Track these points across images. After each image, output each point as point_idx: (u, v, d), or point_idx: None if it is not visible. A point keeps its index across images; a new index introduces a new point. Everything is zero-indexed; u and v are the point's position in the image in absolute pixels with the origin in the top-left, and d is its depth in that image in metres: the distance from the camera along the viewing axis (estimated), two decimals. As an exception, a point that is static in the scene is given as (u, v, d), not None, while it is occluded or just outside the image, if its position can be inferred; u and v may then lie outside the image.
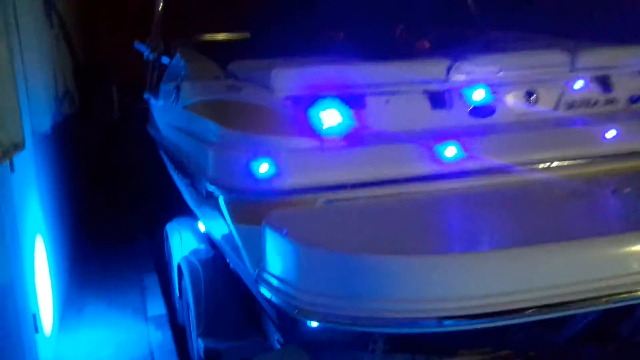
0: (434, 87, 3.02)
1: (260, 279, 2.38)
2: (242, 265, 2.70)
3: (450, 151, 2.70)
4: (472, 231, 2.39)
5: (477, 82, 3.04)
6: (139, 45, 4.77)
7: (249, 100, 2.93)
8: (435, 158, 2.71)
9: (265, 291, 2.34)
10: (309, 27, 5.71)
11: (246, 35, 5.65)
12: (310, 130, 2.73)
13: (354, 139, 2.78)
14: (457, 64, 3.04)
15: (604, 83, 3.28)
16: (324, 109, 2.85)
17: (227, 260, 3.39)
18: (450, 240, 2.36)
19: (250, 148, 2.63)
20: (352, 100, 2.91)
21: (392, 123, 2.93)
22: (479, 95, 3.02)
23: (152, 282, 5.41)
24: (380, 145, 2.73)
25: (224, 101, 3.07)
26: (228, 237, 2.86)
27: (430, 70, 3.05)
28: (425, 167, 2.70)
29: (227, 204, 2.67)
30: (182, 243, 4.43)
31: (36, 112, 4.34)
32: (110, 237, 6.18)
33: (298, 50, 4.71)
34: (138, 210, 6.30)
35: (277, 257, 2.31)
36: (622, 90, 3.30)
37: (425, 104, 3.00)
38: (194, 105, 3.34)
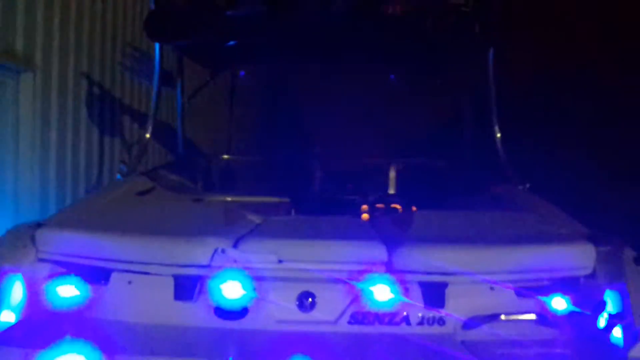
0: (187, 272, 2.56)
1: None
2: None
3: None
4: None
5: (234, 272, 2.51)
6: (123, 167, 4.72)
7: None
8: None
9: None
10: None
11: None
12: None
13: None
14: (220, 248, 2.55)
15: (435, 295, 2.45)
16: (60, 284, 2.62)
17: None
18: None
19: None
20: (97, 275, 2.62)
21: (132, 312, 2.55)
22: (230, 290, 2.47)
23: None
24: None
25: None
26: None
27: (189, 251, 2.58)
28: None
29: None
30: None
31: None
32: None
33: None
34: None
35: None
36: (454, 309, 2.42)
37: (170, 292, 2.54)
38: None
